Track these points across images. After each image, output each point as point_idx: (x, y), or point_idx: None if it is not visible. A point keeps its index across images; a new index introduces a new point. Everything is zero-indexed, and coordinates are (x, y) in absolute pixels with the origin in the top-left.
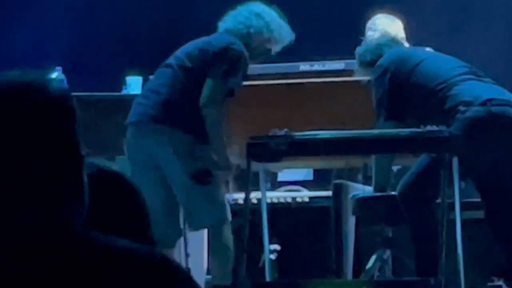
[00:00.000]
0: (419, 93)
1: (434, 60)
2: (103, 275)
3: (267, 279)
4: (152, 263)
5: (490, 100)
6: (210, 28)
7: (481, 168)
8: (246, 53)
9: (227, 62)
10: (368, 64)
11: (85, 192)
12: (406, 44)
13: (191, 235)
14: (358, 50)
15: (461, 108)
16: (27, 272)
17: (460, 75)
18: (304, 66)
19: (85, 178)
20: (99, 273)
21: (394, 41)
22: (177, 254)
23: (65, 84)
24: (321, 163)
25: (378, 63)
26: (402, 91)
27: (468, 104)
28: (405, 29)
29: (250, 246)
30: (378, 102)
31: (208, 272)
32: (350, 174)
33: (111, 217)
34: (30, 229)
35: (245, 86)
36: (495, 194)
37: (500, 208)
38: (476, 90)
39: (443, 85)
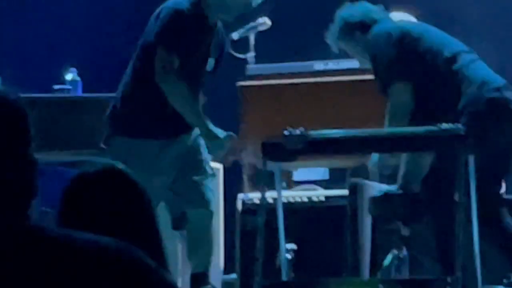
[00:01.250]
0: (429, 62)
1: (437, 32)
2: (61, 269)
3: (283, 278)
4: (118, 260)
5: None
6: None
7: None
8: (181, 9)
9: (161, 27)
10: (356, 26)
11: (30, 186)
12: None
13: None
14: (344, 12)
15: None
16: None
17: (467, 52)
18: (318, 65)
19: (34, 179)
20: (58, 268)
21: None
22: None
23: (80, 85)
24: (337, 162)
25: (379, 29)
26: (411, 58)
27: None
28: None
29: (266, 246)
30: (387, 67)
31: (225, 272)
32: (367, 172)
33: (116, 213)
34: None
35: (260, 86)
36: None
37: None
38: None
39: (455, 57)
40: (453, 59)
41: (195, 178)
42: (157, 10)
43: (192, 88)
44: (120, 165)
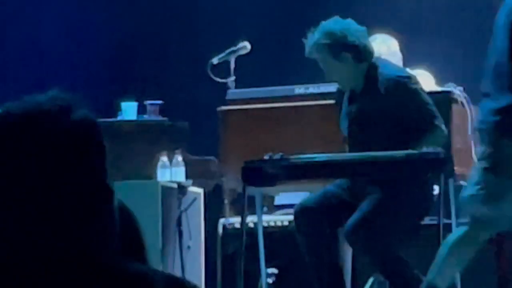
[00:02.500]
0: None
1: None
2: None
3: None
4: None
5: None
6: (206, 54)
7: None
8: None
9: None
10: (348, 49)
11: (114, 221)
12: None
13: (188, 260)
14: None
15: None
16: None
17: None
18: (299, 89)
19: (114, 207)
20: None
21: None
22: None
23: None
24: (317, 186)
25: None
26: None
27: None
28: (401, 50)
29: (247, 270)
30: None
31: None
32: None
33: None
34: (58, 256)
35: (241, 110)
36: None
37: None
38: None
39: None
40: None
41: None
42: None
43: None
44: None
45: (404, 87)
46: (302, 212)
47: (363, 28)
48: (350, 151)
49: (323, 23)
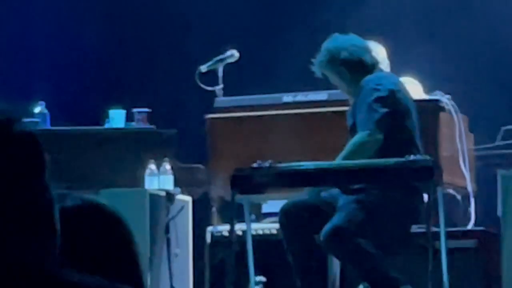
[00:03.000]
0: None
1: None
2: None
3: None
4: None
5: None
6: (194, 62)
7: None
8: None
9: None
10: (342, 62)
11: (56, 231)
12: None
13: (176, 268)
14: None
15: None
16: None
17: None
18: (287, 97)
19: (56, 219)
20: None
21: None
22: (163, 287)
23: (48, 118)
24: (305, 194)
25: (384, 85)
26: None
27: None
28: (389, 57)
29: (235, 278)
30: (380, 119)
31: None
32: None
33: (96, 249)
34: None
35: (229, 118)
36: None
37: None
38: None
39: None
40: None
41: None
42: None
43: None
44: (101, 200)
45: (362, 90)
46: (289, 212)
47: (362, 42)
48: None
49: (325, 42)
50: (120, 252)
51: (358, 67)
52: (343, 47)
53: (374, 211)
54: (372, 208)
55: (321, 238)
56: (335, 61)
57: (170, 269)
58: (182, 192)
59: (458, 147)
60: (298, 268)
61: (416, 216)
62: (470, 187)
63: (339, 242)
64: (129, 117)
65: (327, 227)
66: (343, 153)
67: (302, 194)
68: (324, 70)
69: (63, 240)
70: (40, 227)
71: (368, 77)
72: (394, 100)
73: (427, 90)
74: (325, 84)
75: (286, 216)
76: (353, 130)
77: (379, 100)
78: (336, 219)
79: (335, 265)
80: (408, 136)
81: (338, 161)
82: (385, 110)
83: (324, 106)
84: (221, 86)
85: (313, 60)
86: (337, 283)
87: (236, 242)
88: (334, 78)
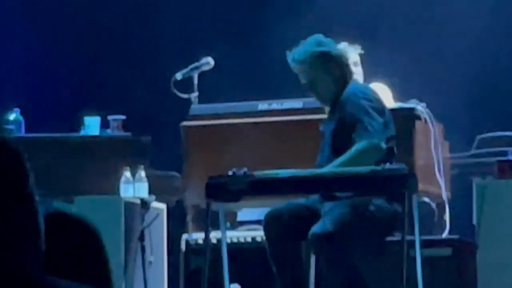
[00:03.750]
0: None
1: None
2: None
3: None
4: None
5: None
6: (169, 70)
7: None
8: None
9: None
10: (326, 59)
11: (40, 238)
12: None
13: (150, 276)
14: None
15: None
16: None
17: None
18: (262, 105)
19: (41, 225)
20: None
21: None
22: None
23: (23, 125)
24: (281, 202)
25: (374, 96)
26: None
27: None
28: (362, 62)
29: (210, 286)
30: (381, 129)
31: None
32: None
33: (68, 259)
34: None
35: (204, 126)
36: None
37: None
38: None
39: None
40: None
41: None
42: None
43: None
44: (71, 209)
45: (351, 99)
46: (272, 219)
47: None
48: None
49: (311, 37)
50: (88, 258)
51: (344, 70)
52: (334, 46)
53: (362, 218)
54: (360, 215)
55: (311, 239)
56: (326, 56)
57: (144, 277)
58: (157, 200)
59: (433, 156)
60: (283, 278)
61: (394, 225)
62: (445, 196)
63: (331, 247)
64: (104, 124)
65: (317, 229)
66: (342, 158)
67: (281, 202)
68: (311, 62)
69: None
70: (24, 233)
71: (354, 86)
72: (384, 110)
73: (403, 98)
74: (300, 92)
75: (270, 223)
76: (336, 136)
77: (375, 109)
78: (328, 223)
79: (311, 273)
80: (391, 145)
81: (333, 166)
82: (382, 120)
83: (299, 114)
84: (196, 93)
85: (296, 49)
86: None
87: (210, 250)
88: (316, 75)
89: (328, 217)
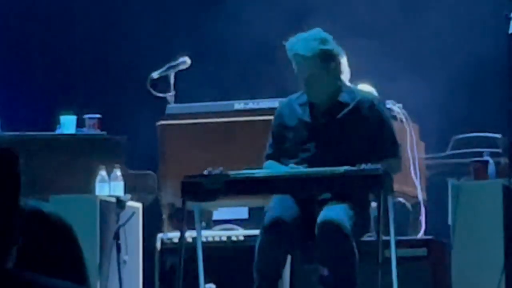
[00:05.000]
0: None
1: None
2: None
3: None
4: None
5: None
6: (146, 69)
7: None
8: None
9: None
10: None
11: (15, 234)
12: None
13: (126, 274)
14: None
15: None
16: None
17: None
18: (238, 105)
19: (16, 221)
20: None
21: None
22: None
23: None
24: (256, 201)
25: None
26: None
27: None
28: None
29: (185, 285)
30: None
31: None
32: None
33: (44, 255)
34: None
35: (180, 125)
36: None
37: None
38: None
39: None
40: None
41: None
42: None
43: None
44: (46, 207)
45: (380, 108)
46: (278, 225)
47: None
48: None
49: (313, 31)
50: (63, 255)
51: (341, 69)
52: (335, 44)
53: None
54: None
55: (320, 226)
56: (329, 54)
57: (119, 275)
58: (133, 199)
59: (409, 156)
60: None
61: (368, 225)
62: (420, 196)
63: (338, 239)
64: (80, 123)
65: (327, 216)
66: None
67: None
68: (314, 59)
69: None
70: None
71: (375, 95)
72: None
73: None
74: (276, 92)
75: (277, 231)
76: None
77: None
78: (336, 213)
79: (285, 273)
80: None
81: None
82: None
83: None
84: (172, 93)
85: (300, 43)
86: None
87: (185, 249)
88: (316, 72)
89: (337, 209)
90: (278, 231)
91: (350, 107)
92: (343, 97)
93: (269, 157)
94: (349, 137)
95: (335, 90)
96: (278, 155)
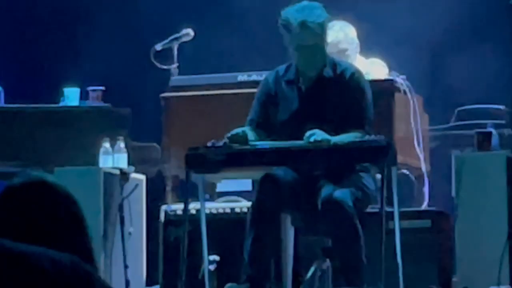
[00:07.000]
0: None
1: None
2: (10, 277)
3: None
4: (62, 268)
5: None
6: (149, 41)
7: None
8: None
9: None
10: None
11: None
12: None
13: (130, 246)
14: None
15: None
16: None
17: None
18: (242, 76)
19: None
20: (7, 276)
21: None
22: (116, 266)
23: (2, 95)
24: (259, 173)
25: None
26: None
27: None
28: (359, 36)
29: (189, 257)
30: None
31: (148, 283)
32: None
33: (47, 226)
34: None
35: (184, 97)
36: None
37: None
38: None
39: None
40: None
41: None
42: None
43: None
44: (50, 177)
45: (359, 80)
46: (273, 179)
47: None
48: (290, 138)
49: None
50: (68, 226)
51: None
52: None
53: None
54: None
55: (323, 203)
56: (329, 21)
57: (123, 247)
58: (136, 171)
59: (412, 128)
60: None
61: (372, 197)
62: (424, 168)
63: (342, 215)
64: (84, 95)
65: (338, 194)
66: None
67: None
68: (323, 28)
69: (11, 215)
70: None
71: (356, 67)
72: None
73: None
74: (279, 63)
75: (272, 181)
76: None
77: (372, 100)
78: (339, 191)
79: (289, 245)
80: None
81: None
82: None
83: None
84: (176, 64)
85: (309, 11)
86: (290, 264)
87: (189, 221)
88: (321, 41)
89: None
90: (274, 181)
91: (334, 80)
92: (327, 72)
93: (251, 122)
94: (331, 109)
95: (324, 63)
96: (261, 122)
